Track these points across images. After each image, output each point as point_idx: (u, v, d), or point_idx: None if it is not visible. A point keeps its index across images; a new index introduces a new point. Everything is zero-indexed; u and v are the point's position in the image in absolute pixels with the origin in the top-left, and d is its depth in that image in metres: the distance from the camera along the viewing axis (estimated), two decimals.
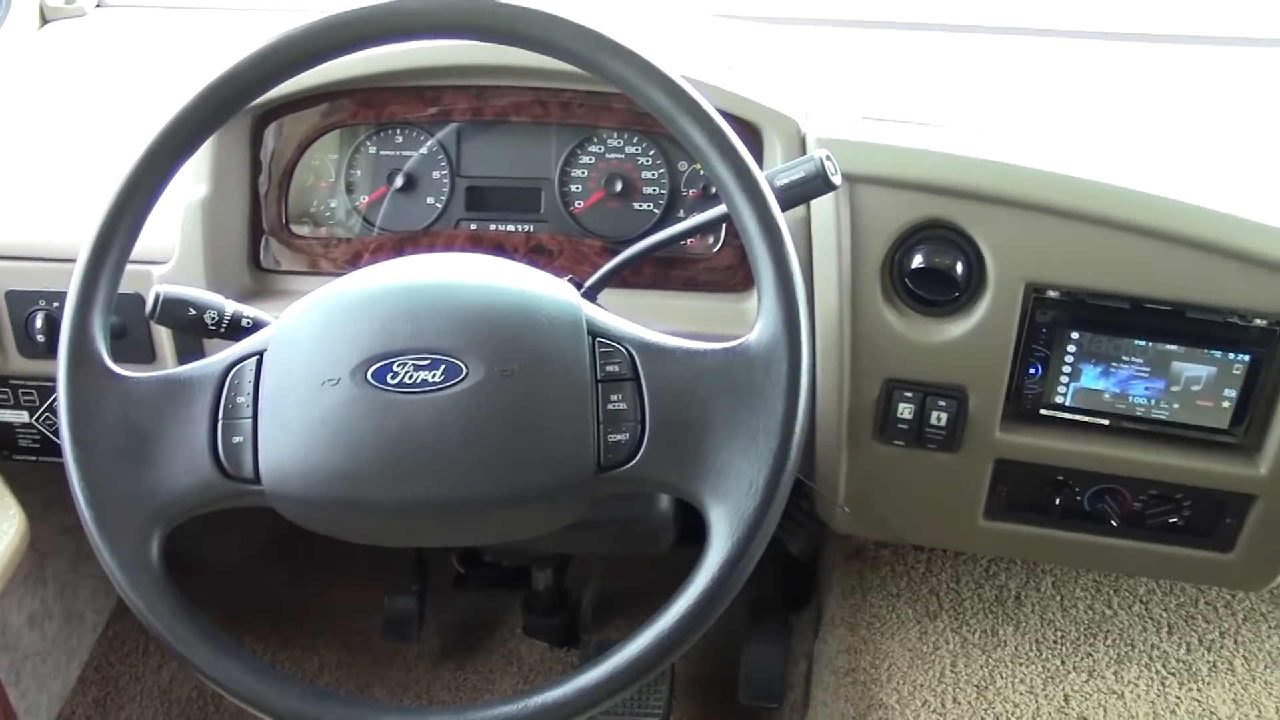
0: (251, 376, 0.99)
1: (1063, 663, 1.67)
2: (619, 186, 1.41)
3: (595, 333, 0.99)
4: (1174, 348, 1.29)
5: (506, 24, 0.99)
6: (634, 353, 0.99)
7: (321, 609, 2.27)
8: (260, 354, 1.01)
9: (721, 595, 0.94)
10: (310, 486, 0.96)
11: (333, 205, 1.45)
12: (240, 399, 0.98)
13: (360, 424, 0.95)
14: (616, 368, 0.98)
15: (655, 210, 1.41)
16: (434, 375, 0.96)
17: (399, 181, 1.43)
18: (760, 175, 0.99)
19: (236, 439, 0.98)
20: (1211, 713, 1.61)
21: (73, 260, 1.02)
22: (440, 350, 0.97)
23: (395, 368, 0.96)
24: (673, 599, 0.94)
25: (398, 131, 1.44)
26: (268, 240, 1.45)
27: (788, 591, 2.10)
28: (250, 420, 0.98)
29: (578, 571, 2.05)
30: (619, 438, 0.96)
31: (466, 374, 0.96)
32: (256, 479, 0.97)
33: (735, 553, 0.93)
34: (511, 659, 2.17)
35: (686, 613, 0.94)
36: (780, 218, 0.98)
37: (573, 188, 1.42)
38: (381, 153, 1.44)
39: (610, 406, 0.97)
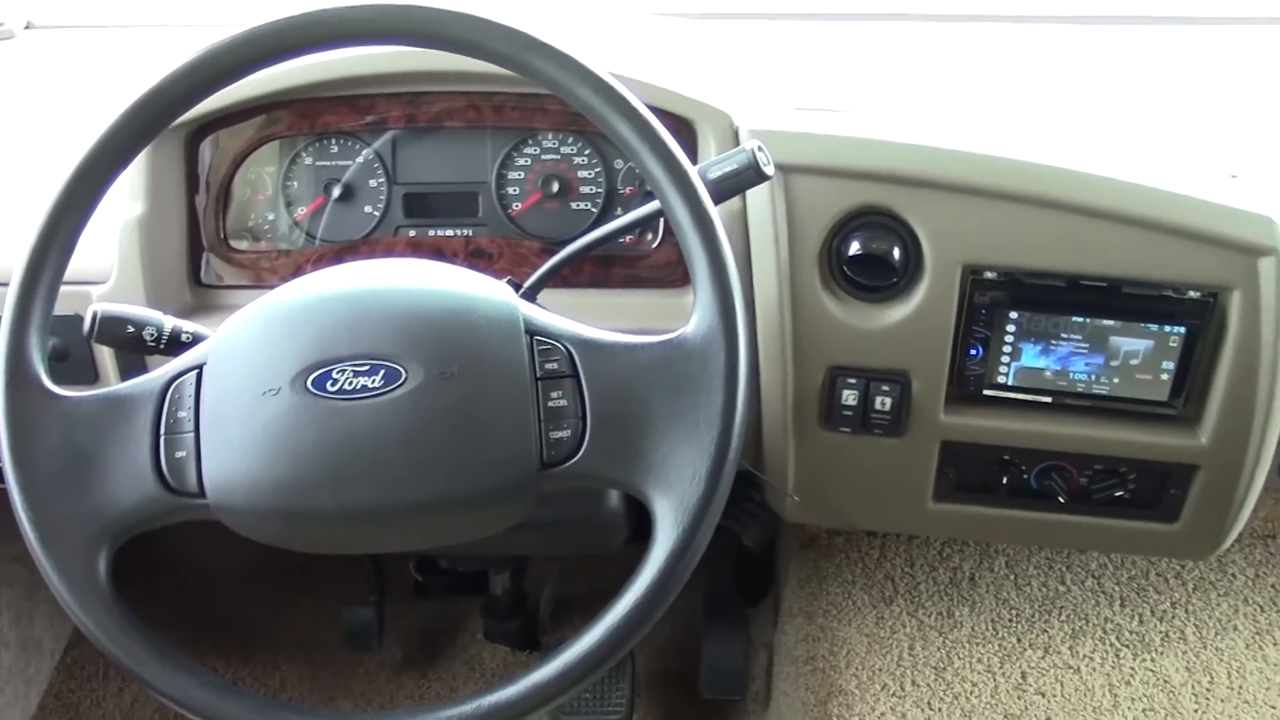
0: (192, 390, 0.99)
1: (1019, 640, 1.69)
2: (556, 187, 1.41)
3: (533, 331, 0.99)
4: (1111, 323, 1.30)
5: (432, 28, 0.99)
6: (572, 349, 0.99)
7: (282, 624, 2.26)
8: (200, 367, 1.00)
9: (669, 587, 0.94)
10: (255, 497, 0.96)
11: (271, 218, 1.45)
12: (181, 413, 0.98)
13: (302, 433, 0.95)
14: (555, 365, 0.98)
15: (593, 209, 1.42)
16: (373, 381, 0.95)
17: (336, 191, 1.43)
18: (691, 168, 0.99)
19: (179, 453, 0.97)
20: (1165, 681, 1.63)
21: (4, 284, 1.02)
22: (379, 355, 0.96)
23: (335, 375, 0.96)
24: (621, 593, 0.95)
25: (333, 141, 1.43)
26: (208, 256, 1.44)
27: (745, 584, 2.10)
28: (192, 434, 0.97)
29: (535, 574, 2.06)
30: (560, 434, 0.96)
31: (406, 378, 0.96)
32: (201, 492, 0.97)
33: (681, 544, 0.93)
34: (474, 664, 2.17)
35: (635, 606, 0.94)
36: (712, 210, 0.99)
37: (510, 190, 1.42)
38: (318, 163, 1.44)
39: (551, 404, 0.97)
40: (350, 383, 0.96)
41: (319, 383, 0.96)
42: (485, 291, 1.02)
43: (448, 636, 2.22)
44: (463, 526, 1.01)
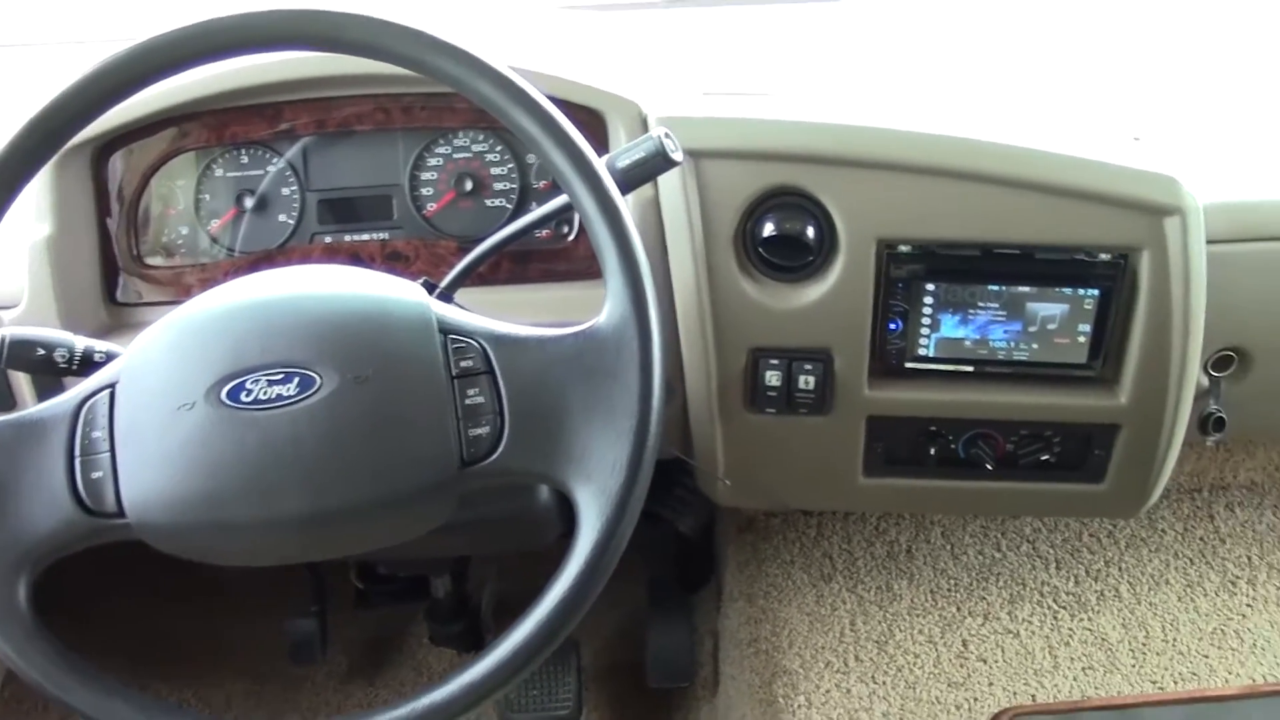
0: (105, 410, 0.98)
1: (958, 609, 1.71)
2: (469, 185, 1.40)
3: (446, 330, 0.99)
4: (1027, 289, 1.31)
5: (330, 31, 0.99)
6: (486, 346, 0.98)
7: (224, 641, 2.23)
8: (112, 386, 0.99)
9: (596, 577, 0.94)
10: (175, 514, 0.95)
11: (184, 232, 1.43)
12: (96, 433, 0.97)
13: (219, 445, 0.94)
14: (470, 362, 0.98)
15: (508, 205, 1.41)
16: (288, 389, 0.95)
17: (249, 202, 1.42)
18: (595, 158, 0.99)
19: (96, 474, 0.96)
20: (1103, 639, 1.65)
21: None
22: (292, 363, 0.96)
23: (249, 385, 0.95)
24: (548, 586, 0.95)
25: (243, 151, 1.42)
26: (123, 274, 1.43)
27: (686, 572, 2.11)
28: (108, 453, 0.96)
29: (476, 575, 2.05)
30: (479, 431, 0.96)
31: (321, 384, 0.95)
32: (120, 512, 0.96)
33: (605, 533, 0.93)
34: (421, 669, 2.16)
35: (563, 598, 0.94)
36: (619, 198, 0.99)
37: (424, 191, 1.42)
38: (229, 174, 1.43)
39: (468, 401, 0.97)
40: (265, 392, 0.95)
41: (233, 394, 0.95)
42: (396, 293, 1.02)
43: (393, 643, 2.20)
44: (387, 530, 1.00)
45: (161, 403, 0.96)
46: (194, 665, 2.19)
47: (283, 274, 1.04)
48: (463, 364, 0.98)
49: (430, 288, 1.13)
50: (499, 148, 1.41)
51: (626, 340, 0.96)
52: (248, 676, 2.18)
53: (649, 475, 0.95)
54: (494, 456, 0.96)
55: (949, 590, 1.73)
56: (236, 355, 0.97)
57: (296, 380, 0.95)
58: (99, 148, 1.40)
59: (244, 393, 0.95)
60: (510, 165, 1.41)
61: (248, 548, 0.99)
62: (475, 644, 2.06)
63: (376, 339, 0.98)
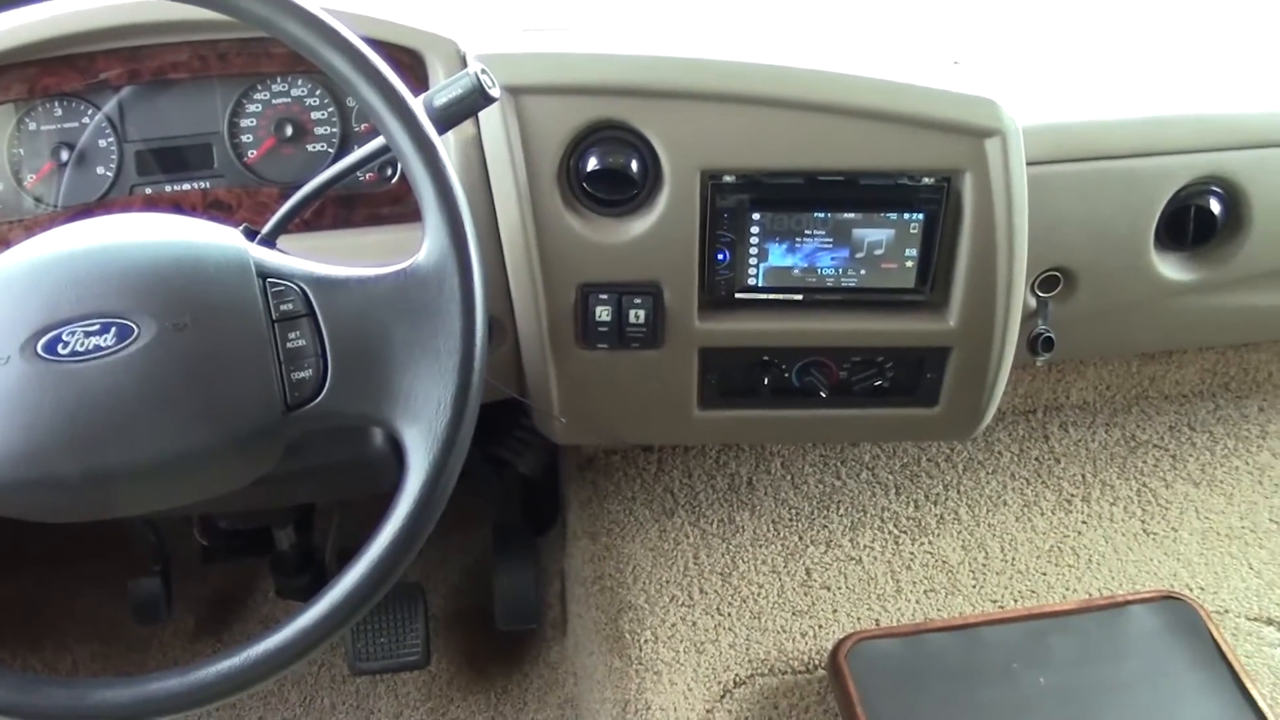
0: None
1: (800, 538, 1.72)
2: (290, 131, 1.37)
3: (265, 274, 0.97)
4: (852, 215, 1.32)
5: None
6: (306, 288, 0.97)
7: (66, 606, 2.18)
8: None
9: (426, 516, 0.93)
10: None
11: (0, 189, 1.38)
12: None
13: (37, 400, 0.92)
14: (291, 305, 0.96)
15: (329, 150, 1.38)
16: (105, 340, 0.93)
17: (65, 155, 1.37)
18: (408, 96, 0.98)
19: None
20: (944, 561, 1.68)
21: None
22: (108, 313, 0.93)
23: (65, 337, 0.93)
24: (378, 528, 0.94)
25: (56, 104, 1.37)
26: None
27: (531, 513, 2.10)
28: None
29: (320, 526, 2.03)
30: (302, 375, 0.95)
31: (138, 334, 0.93)
32: None
33: (434, 472, 0.93)
34: (268, 623, 2.11)
35: (394, 539, 0.93)
36: (434, 135, 0.98)
37: (244, 138, 1.38)
38: (43, 128, 1.37)
39: (290, 345, 0.95)
40: (82, 343, 0.92)
41: (49, 347, 0.92)
42: (212, 238, 0.99)
43: (239, 599, 2.17)
44: (213, 479, 0.99)
45: None
46: (37, 631, 2.14)
47: (96, 224, 1.02)
48: (283, 307, 0.96)
49: (251, 234, 1.10)
50: (319, 92, 1.38)
51: (447, 277, 0.95)
52: (93, 639, 2.13)
53: (475, 412, 0.95)
54: (318, 400, 0.95)
55: (791, 520, 1.75)
56: (51, 307, 0.94)
57: (114, 330, 0.93)
58: None
59: (60, 345, 0.92)
60: (331, 110, 1.38)
61: (71, 503, 0.96)
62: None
63: (193, 285, 0.96)
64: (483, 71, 1.08)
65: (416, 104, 0.99)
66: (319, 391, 0.95)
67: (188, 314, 0.94)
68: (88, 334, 0.93)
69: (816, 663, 1.55)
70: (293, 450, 0.99)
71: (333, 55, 0.97)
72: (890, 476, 1.82)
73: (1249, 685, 1.38)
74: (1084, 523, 1.75)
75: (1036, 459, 1.84)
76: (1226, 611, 1.59)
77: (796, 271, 1.35)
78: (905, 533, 1.73)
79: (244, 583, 2.19)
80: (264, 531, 1.94)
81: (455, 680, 1.99)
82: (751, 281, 1.36)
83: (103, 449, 0.92)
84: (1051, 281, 1.49)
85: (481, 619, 2.05)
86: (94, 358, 0.92)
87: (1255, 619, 1.57)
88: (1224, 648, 1.43)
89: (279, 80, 1.37)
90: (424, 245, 0.97)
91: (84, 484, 0.93)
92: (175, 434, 0.93)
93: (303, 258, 1.01)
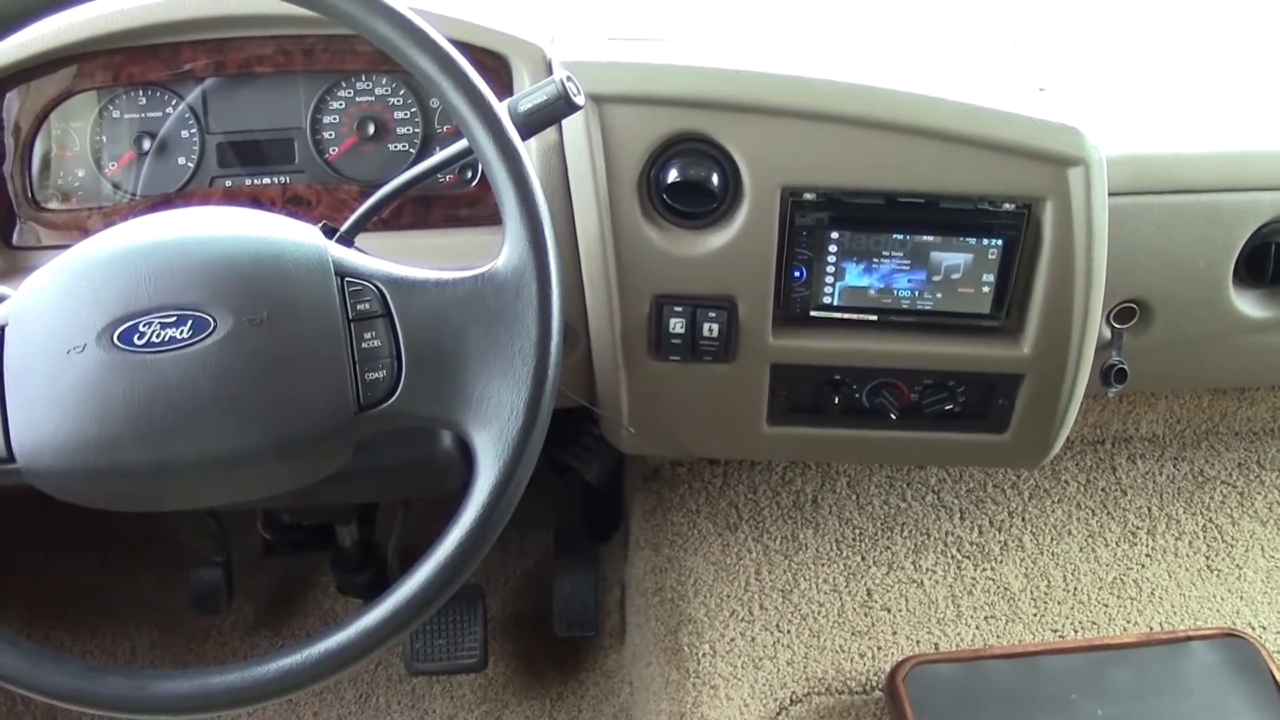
0: None
1: (863, 559, 1.72)
2: (372, 129, 1.38)
3: (342, 273, 0.98)
4: (931, 238, 1.31)
5: None
6: (383, 289, 0.97)
7: (129, 593, 2.21)
8: (2, 329, 0.97)
9: (493, 522, 0.94)
10: (66, 458, 0.93)
11: (80, 175, 1.40)
12: None
13: (111, 389, 0.92)
14: (367, 305, 0.96)
15: (410, 150, 1.39)
16: (181, 332, 0.93)
17: (147, 144, 1.39)
18: (495, 101, 0.99)
19: None
20: (1005, 588, 1.67)
21: None
22: (185, 305, 0.94)
23: (141, 328, 0.93)
24: (445, 532, 0.94)
25: (140, 93, 1.39)
26: (18, 218, 1.39)
27: (593, 521, 2.11)
28: None
29: (383, 524, 2.04)
30: (376, 375, 0.95)
31: (214, 327, 0.93)
32: (10, 457, 0.94)
33: (503, 478, 0.93)
34: (327, 619, 2.14)
35: (461, 543, 0.94)
36: (518, 141, 0.98)
37: (325, 134, 1.40)
38: (126, 116, 1.39)
39: (365, 345, 0.96)
40: (158, 335, 0.93)
41: (126, 336, 0.93)
42: (292, 235, 1.00)
43: (300, 593, 2.19)
44: (282, 475, 0.99)
45: (52, 345, 0.94)
46: (97, 615, 2.16)
47: (177, 215, 1.03)
48: (359, 307, 0.97)
49: (330, 232, 1.11)
50: (402, 91, 1.39)
51: (525, 283, 0.95)
52: (152, 626, 2.16)
53: (547, 420, 0.95)
54: (390, 401, 0.96)
55: (854, 540, 1.74)
56: (129, 297, 0.95)
57: (190, 323, 0.93)
58: None
59: (137, 335, 0.93)
60: (413, 110, 1.39)
61: (141, 492, 0.97)
62: (381, 593, 2.05)
63: (271, 281, 0.96)
64: (568, 79, 1.08)
65: (501, 109, 0.99)
66: (392, 393, 0.96)
67: (264, 310, 0.95)
68: (164, 325, 0.93)
69: (874, 684, 1.55)
70: (361, 449, 0.99)
71: (420, 56, 0.98)
72: (955, 501, 1.81)
73: None
74: (1148, 556, 1.73)
75: (1103, 490, 1.83)
76: None
77: (872, 292, 1.35)
78: (968, 558, 1.72)
79: (304, 577, 2.21)
80: (326, 527, 1.95)
81: (511, 684, 2.00)
82: (827, 300, 1.36)
83: (173, 441, 0.93)
84: (1127, 313, 1.48)
85: (539, 623, 2.05)
86: (169, 349, 0.93)
87: None
88: None
89: (363, 78, 1.39)
90: (503, 250, 0.97)
91: (153, 474, 0.94)
92: (246, 429, 0.93)
93: (380, 257, 1.01)
